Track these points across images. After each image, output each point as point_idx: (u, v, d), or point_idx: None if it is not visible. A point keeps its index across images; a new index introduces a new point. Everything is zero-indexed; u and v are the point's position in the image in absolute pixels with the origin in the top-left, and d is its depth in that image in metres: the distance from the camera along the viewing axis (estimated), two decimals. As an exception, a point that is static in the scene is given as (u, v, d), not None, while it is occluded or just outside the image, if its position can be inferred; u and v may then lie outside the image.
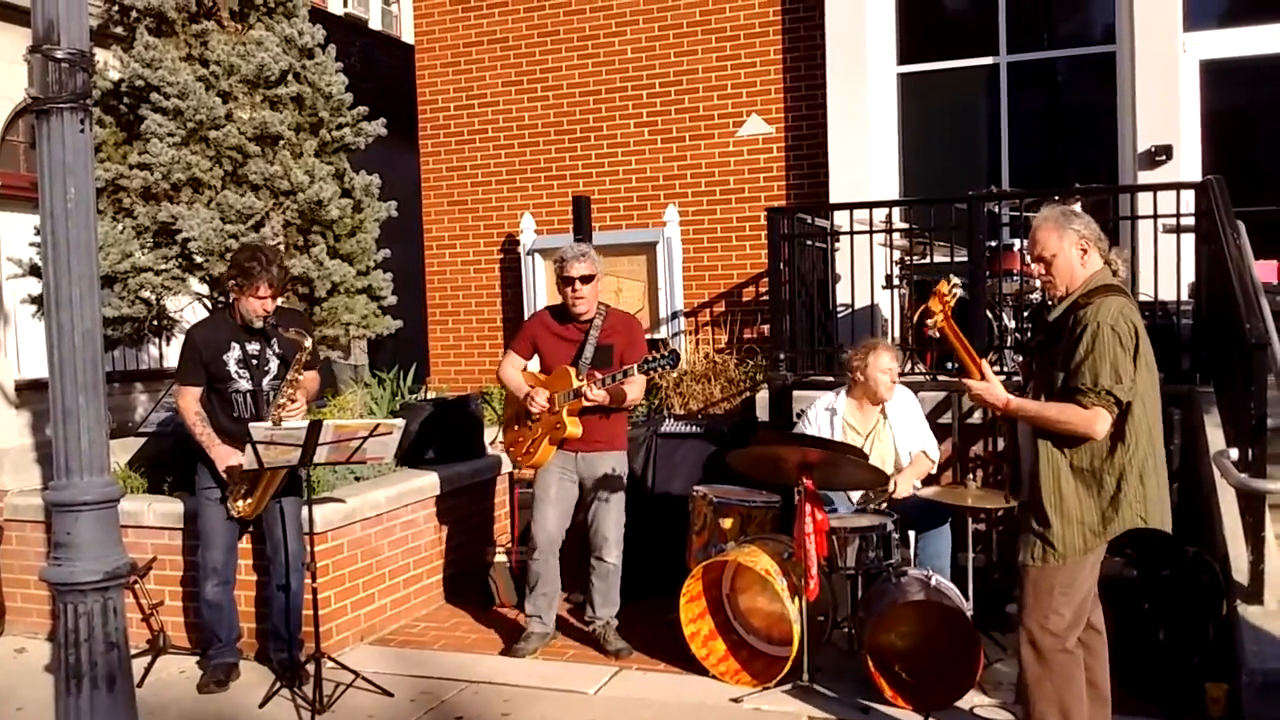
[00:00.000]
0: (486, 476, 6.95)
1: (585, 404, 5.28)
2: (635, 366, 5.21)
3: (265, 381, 5.14)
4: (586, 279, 5.39)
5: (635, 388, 5.39)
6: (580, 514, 5.59)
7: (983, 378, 3.83)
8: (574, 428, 5.35)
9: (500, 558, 6.40)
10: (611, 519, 5.49)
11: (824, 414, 5.74)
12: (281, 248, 6.79)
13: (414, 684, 5.11)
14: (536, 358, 5.64)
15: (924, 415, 5.83)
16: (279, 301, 5.21)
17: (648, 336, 8.25)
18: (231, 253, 5.81)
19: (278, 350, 5.16)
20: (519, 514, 6.65)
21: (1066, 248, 3.74)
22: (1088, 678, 3.77)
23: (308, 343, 5.06)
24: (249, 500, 5.04)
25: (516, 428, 5.61)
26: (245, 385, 5.12)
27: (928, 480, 5.88)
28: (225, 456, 5.01)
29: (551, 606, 5.64)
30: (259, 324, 5.08)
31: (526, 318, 5.88)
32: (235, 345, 5.11)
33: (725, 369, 8.04)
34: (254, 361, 5.13)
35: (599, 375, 5.25)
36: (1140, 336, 3.62)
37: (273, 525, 5.18)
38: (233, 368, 5.09)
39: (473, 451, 6.96)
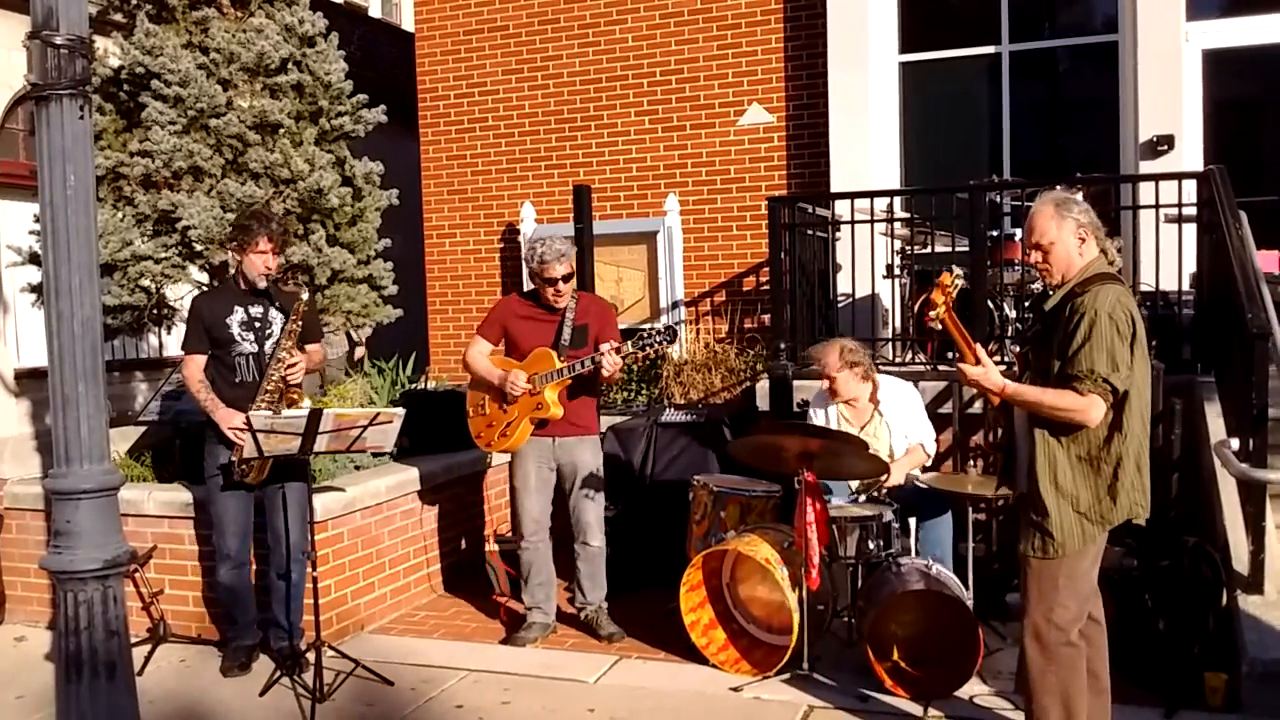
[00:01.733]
0: (485, 465, 6.95)
1: (581, 374, 5.28)
2: (631, 343, 5.20)
3: (269, 343, 5.13)
4: (568, 278, 5.42)
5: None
6: (563, 502, 5.61)
7: (978, 362, 3.79)
8: (556, 408, 5.36)
9: (496, 546, 6.40)
10: (591, 504, 5.53)
11: (821, 403, 5.76)
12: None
13: (414, 672, 5.11)
14: (506, 342, 5.63)
15: (923, 407, 5.82)
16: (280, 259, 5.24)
17: (647, 324, 8.30)
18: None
19: (280, 307, 5.17)
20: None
21: (1065, 236, 3.71)
22: (1088, 668, 3.76)
23: (305, 294, 5.09)
24: (252, 463, 5.00)
25: (487, 411, 5.59)
26: (249, 347, 5.11)
27: (927, 469, 5.89)
28: (228, 418, 4.99)
29: (550, 596, 5.65)
30: (262, 283, 5.11)
31: (494, 303, 5.87)
32: (238, 308, 5.13)
33: (726, 358, 8.04)
34: (257, 324, 5.13)
35: (615, 345, 5.23)
36: (1137, 325, 3.60)
37: (274, 514, 5.18)
38: (236, 330, 5.10)
39: (472, 440, 6.93)
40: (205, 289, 5.50)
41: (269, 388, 5.01)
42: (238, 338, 5.10)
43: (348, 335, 7.31)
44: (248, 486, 5.11)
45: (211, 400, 5.06)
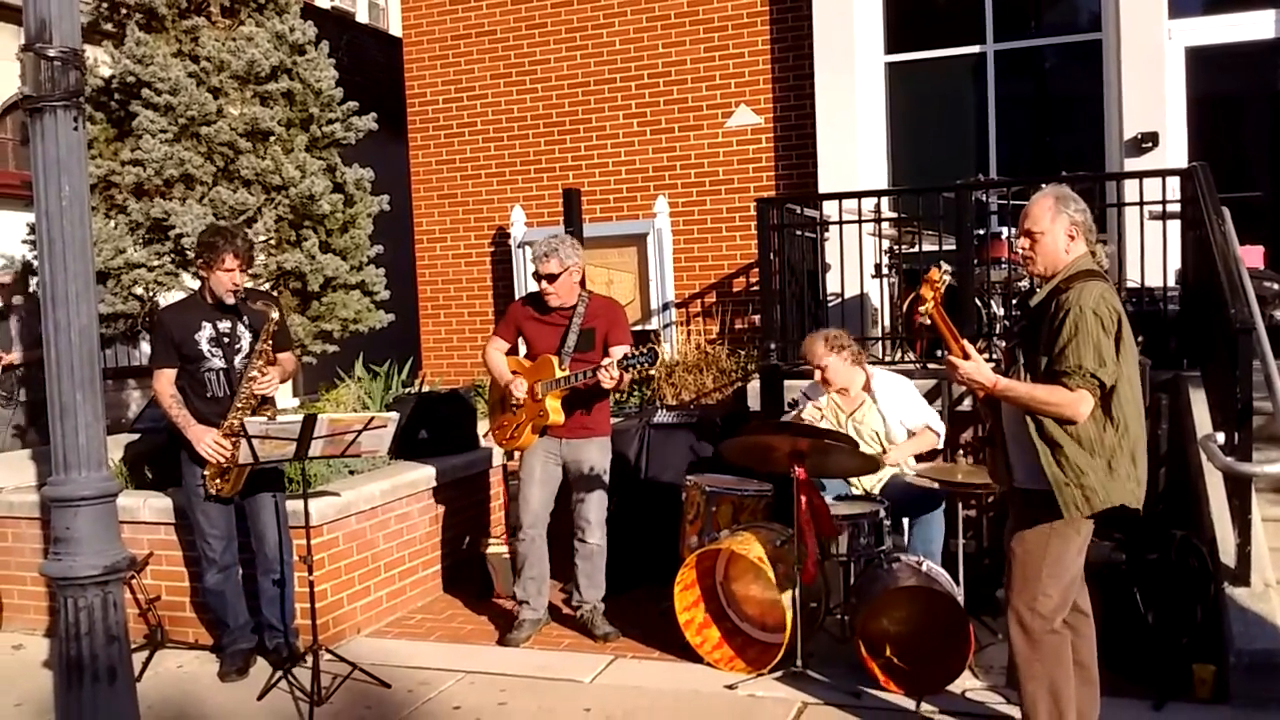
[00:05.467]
0: (480, 468, 6.98)
1: (575, 387, 5.32)
2: (615, 361, 5.24)
3: (238, 359, 5.10)
4: (552, 277, 5.42)
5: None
6: (567, 500, 5.64)
7: (967, 357, 3.81)
8: (556, 415, 5.41)
9: (495, 548, 6.44)
10: (594, 502, 5.56)
11: (816, 394, 5.79)
12: (274, 242, 6.82)
13: (411, 675, 5.14)
14: (523, 343, 5.68)
15: (919, 394, 5.84)
16: (247, 276, 5.20)
17: (638, 328, 8.33)
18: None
19: (249, 324, 5.14)
20: (512, 505, 6.68)
21: (1057, 229, 3.75)
22: (1076, 658, 3.81)
23: (275, 313, 5.05)
24: (226, 478, 5.04)
25: (502, 412, 5.67)
26: (219, 363, 5.08)
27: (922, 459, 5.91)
28: (201, 435, 4.99)
29: (541, 591, 5.68)
30: (230, 300, 5.06)
31: (511, 303, 5.92)
32: (207, 324, 5.08)
33: (717, 359, 8.07)
34: (226, 339, 5.09)
35: (613, 360, 5.26)
36: (1121, 320, 3.64)
37: (255, 518, 5.20)
38: (205, 346, 5.06)
39: (466, 443, 6.99)
40: (171, 303, 5.41)
41: (240, 405, 5.00)
42: (207, 354, 5.06)
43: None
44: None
45: (184, 417, 5.03)
